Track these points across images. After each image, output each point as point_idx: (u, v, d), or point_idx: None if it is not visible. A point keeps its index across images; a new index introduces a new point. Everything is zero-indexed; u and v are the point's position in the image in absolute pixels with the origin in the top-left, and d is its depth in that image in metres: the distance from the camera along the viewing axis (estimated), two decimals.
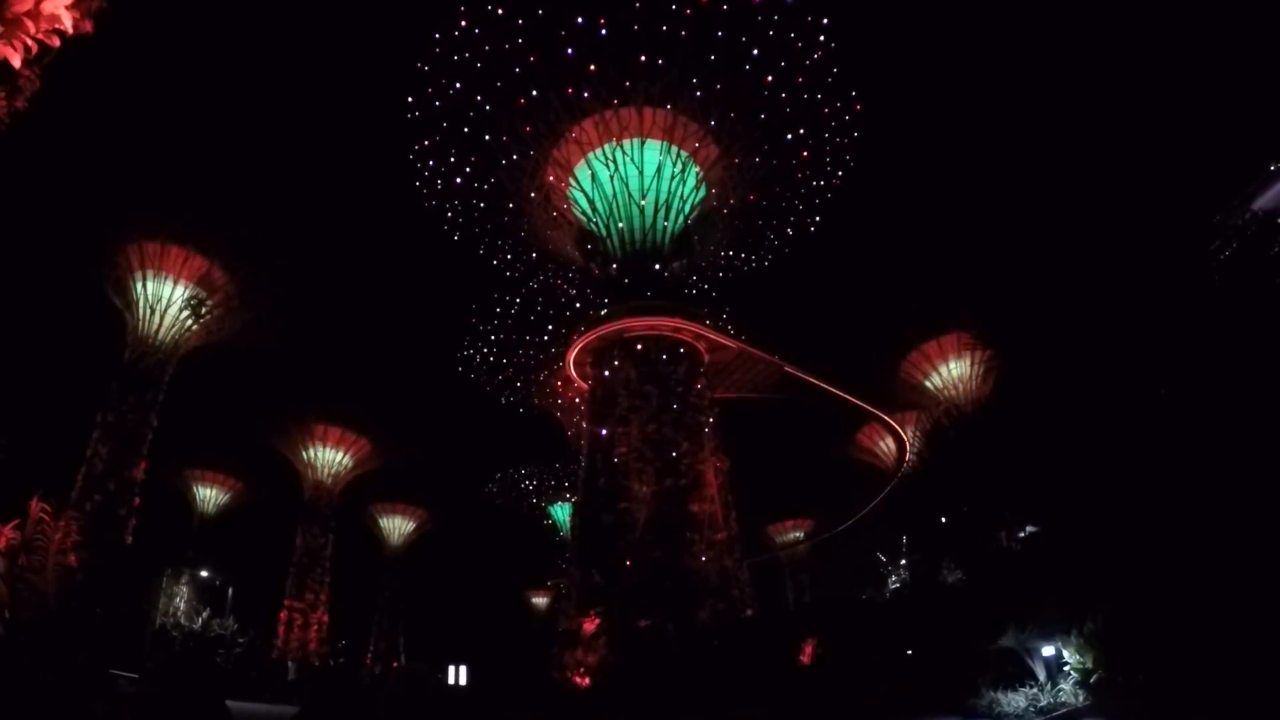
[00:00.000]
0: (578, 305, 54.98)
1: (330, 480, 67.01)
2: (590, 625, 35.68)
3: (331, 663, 60.24)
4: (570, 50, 38.56)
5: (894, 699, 26.10)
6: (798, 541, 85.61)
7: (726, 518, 40.71)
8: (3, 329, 47.11)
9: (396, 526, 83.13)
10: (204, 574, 50.06)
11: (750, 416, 53.68)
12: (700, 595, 35.63)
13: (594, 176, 43.05)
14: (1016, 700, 17.92)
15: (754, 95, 41.05)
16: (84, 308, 50.58)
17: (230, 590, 49.97)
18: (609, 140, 41.75)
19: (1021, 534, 23.38)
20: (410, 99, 42.65)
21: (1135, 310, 16.86)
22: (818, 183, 47.55)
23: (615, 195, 43.10)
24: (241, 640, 43.78)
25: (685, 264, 47.27)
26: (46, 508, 10.69)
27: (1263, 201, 29.62)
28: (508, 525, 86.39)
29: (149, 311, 46.15)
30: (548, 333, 56.95)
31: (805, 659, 37.37)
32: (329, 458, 66.40)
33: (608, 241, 44.41)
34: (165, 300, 46.24)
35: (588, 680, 33.40)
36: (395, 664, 64.02)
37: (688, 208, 44.37)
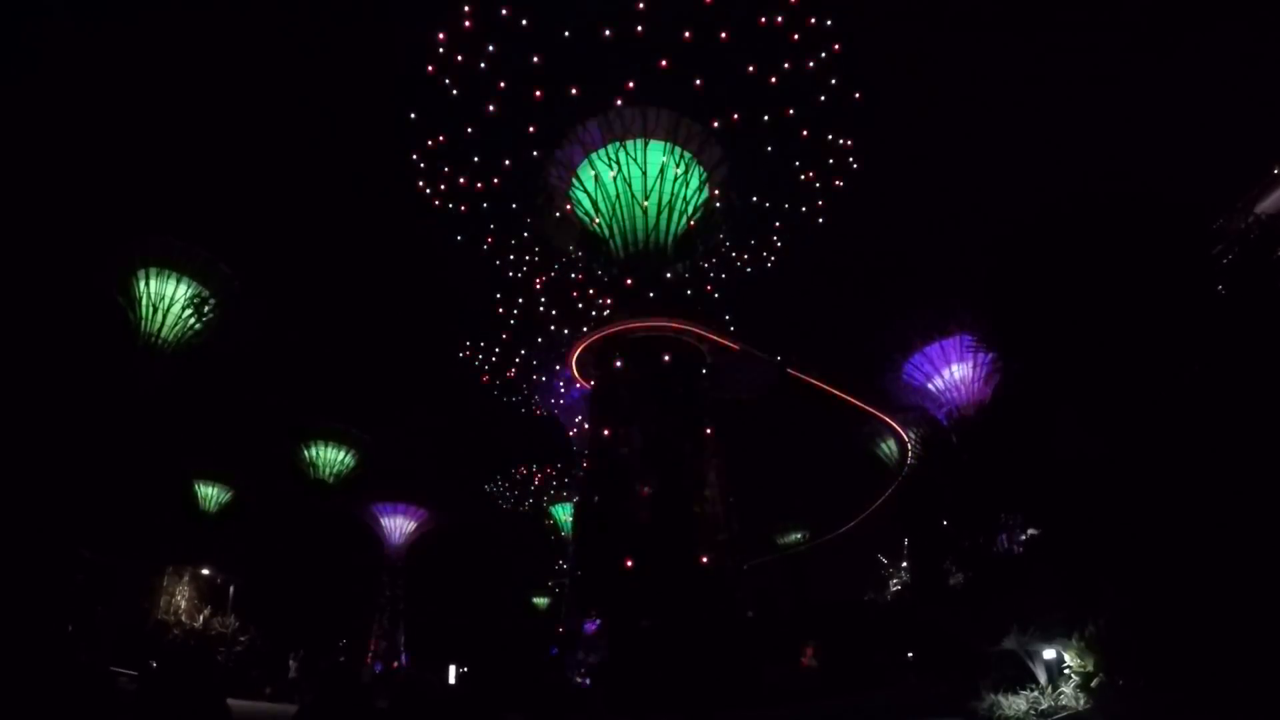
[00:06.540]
0: (580, 306, 54.99)
1: (331, 480, 67.19)
2: (591, 626, 35.70)
3: (331, 662, 60.17)
4: (573, 49, 38.55)
5: (895, 701, 26.12)
6: (798, 542, 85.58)
7: (728, 519, 40.67)
8: (4, 328, 47.18)
9: (397, 526, 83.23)
10: (205, 572, 50.11)
11: (751, 417, 53.68)
12: (701, 596, 35.56)
13: (597, 177, 43.01)
14: (1017, 703, 17.88)
15: (758, 95, 41.03)
16: (85, 307, 50.67)
17: (231, 588, 49.99)
18: (612, 140, 41.72)
19: (1023, 536, 23.34)
20: (413, 98, 42.67)
21: (1138, 314, 16.84)
22: (821, 184, 47.52)
23: (618, 196, 43.07)
24: (242, 639, 43.78)
25: (688, 265, 47.23)
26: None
27: (1265, 205, 29.61)
28: (509, 525, 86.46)
29: (152, 310, 46.27)
30: (550, 333, 56.94)
31: (805, 661, 37.40)
32: (329, 457, 66.55)
33: (610, 242, 44.36)
34: (169, 299, 46.36)
35: (587, 680, 33.41)
36: (395, 664, 64.01)
37: (691, 209, 44.33)
